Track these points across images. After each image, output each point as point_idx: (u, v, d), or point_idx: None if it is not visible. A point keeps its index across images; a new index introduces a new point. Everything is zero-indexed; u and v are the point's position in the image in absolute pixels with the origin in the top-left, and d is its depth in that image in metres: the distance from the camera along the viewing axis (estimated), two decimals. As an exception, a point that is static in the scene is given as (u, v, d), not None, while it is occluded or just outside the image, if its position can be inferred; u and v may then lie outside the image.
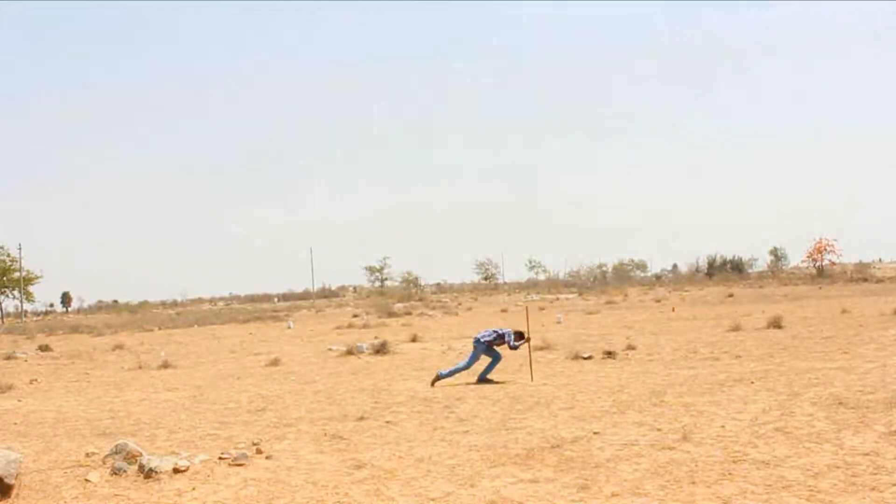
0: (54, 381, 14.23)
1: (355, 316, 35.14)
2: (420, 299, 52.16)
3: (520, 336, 11.02)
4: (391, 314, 34.51)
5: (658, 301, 36.25)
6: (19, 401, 11.37)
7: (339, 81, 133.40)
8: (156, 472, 5.97)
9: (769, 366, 10.83)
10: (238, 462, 6.34)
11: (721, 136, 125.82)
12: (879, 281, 46.00)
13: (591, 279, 70.80)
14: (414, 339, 19.16)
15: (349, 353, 16.21)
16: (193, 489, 5.70)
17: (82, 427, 8.76)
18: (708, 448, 6.14)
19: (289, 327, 30.34)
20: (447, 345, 17.33)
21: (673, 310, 28.25)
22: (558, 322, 24.05)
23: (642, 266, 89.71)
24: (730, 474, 5.37)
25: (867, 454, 5.69)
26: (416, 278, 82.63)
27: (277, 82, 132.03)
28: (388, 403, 9.32)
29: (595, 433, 6.94)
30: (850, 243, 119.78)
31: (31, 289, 68.32)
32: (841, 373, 9.67)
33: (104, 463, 6.37)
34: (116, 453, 6.37)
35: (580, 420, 7.62)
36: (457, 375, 10.92)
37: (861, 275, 51.16)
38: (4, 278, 66.41)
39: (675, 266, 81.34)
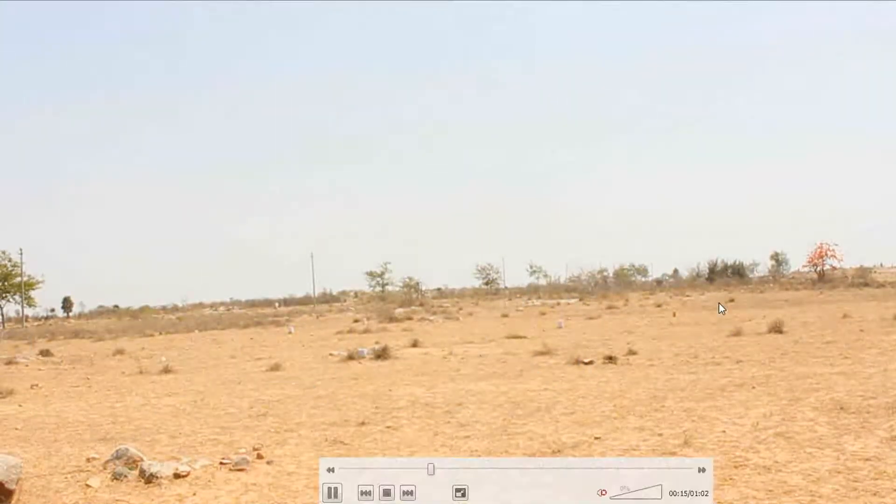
0: (55, 386, 14.22)
1: (356, 321, 35.11)
2: (421, 304, 52.11)
3: None
4: (392, 319, 34.44)
5: (659, 306, 36.22)
6: (20, 406, 11.37)
7: (340, 86, 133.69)
8: (156, 478, 5.97)
9: (770, 371, 10.82)
10: (239, 467, 6.34)
11: (722, 140, 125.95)
12: (880, 286, 45.87)
13: (592, 284, 70.76)
14: (415, 345, 19.13)
15: (350, 358, 16.19)
16: (194, 494, 5.70)
17: (83, 432, 8.76)
18: (709, 453, 6.13)
19: (290, 332, 30.30)
20: (448, 350, 17.31)
21: (674, 315, 28.24)
22: (559, 327, 24.04)
23: (643, 271, 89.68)
24: (731, 479, 5.37)
25: (868, 459, 5.69)
26: (417, 283, 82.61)
27: (278, 87, 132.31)
28: (388, 408, 9.32)
29: (596, 438, 6.94)
30: (851, 248, 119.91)
31: (31, 293, 68.54)
32: (842, 378, 9.67)
33: (105, 468, 6.37)
34: (117, 458, 6.37)
35: (581, 425, 7.61)
36: None
37: (862, 279, 51.15)
38: (5, 283, 66.53)
39: (675, 271, 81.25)
